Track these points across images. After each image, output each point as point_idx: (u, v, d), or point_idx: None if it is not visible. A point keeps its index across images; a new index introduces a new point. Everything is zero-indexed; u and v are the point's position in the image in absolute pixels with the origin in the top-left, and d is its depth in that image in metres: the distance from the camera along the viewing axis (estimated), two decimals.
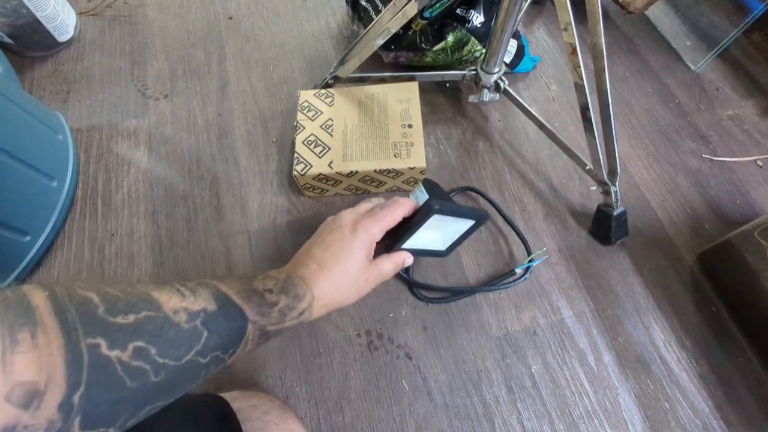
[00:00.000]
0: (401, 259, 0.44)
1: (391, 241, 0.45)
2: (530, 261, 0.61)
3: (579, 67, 0.51)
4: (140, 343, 0.24)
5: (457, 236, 0.52)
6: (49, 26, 0.80)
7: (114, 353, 0.22)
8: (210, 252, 0.64)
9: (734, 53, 0.81)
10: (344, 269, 0.39)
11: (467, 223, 0.51)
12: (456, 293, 0.60)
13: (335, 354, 0.57)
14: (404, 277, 0.60)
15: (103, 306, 0.23)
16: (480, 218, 0.51)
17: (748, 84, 0.78)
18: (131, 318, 0.24)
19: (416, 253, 0.47)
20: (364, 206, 0.44)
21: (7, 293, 0.21)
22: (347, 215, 0.42)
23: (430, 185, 0.47)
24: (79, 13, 0.89)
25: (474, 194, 0.68)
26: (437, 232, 0.51)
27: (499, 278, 0.61)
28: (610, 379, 0.55)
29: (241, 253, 0.64)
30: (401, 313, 0.59)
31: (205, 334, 0.27)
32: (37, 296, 0.22)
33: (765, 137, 0.72)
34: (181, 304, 0.27)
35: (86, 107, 0.78)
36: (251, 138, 0.74)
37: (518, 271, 0.61)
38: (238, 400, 0.45)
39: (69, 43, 0.86)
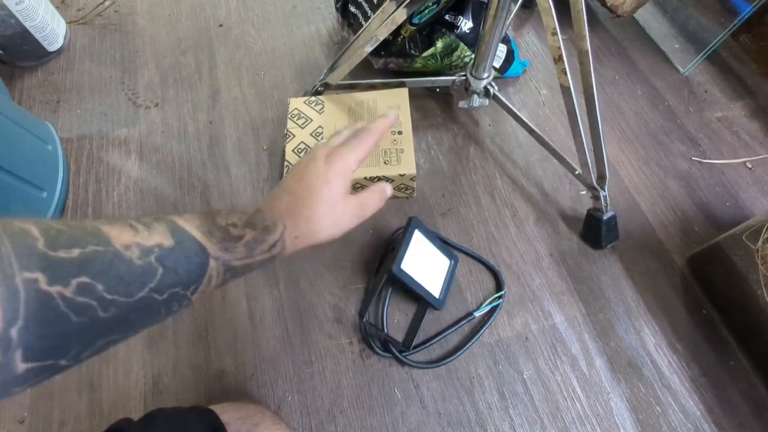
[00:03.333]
0: (381, 187, 0.43)
1: (391, 255, 0.54)
2: (490, 304, 0.59)
3: (565, 72, 0.51)
4: (85, 279, 0.22)
5: (443, 278, 0.59)
6: (38, 36, 0.80)
7: (55, 288, 0.21)
8: None
9: (722, 55, 0.82)
10: (320, 198, 0.38)
11: (446, 262, 0.60)
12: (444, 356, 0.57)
13: (327, 362, 0.57)
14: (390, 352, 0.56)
15: (43, 239, 0.21)
16: (453, 257, 0.60)
17: (737, 86, 0.79)
18: (75, 252, 0.22)
19: (416, 287, 0.54)
20: (336, 139, 0.44)
21: None
22: (320, 149, 0.42)
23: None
24: (69, 22, 0.89)
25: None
26: (427, 265, 0.57)
27: (460, 321, 0.58)
28: (602, 384, 0.55)
29: None
30: (393, 321, 0.59)
31: (160, 270, 0.26)
32: None
33: (754, 139, 0.73)
34: (133, 239, 0.25)
35: (76, 116, 0.78)
36: (242, 146, 0.74)
37: (477, 314, 0.59)
38: (228, 412, 0.45)
39: (59, 52, 0.85)
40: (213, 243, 0.30)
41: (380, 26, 0.58)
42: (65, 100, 0.80)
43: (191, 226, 0.30)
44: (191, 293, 0.29)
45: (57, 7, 0.87)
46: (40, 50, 0.82)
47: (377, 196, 0.44)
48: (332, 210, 0.39)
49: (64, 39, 0.86)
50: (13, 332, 0.19)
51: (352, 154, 0.41)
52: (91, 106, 0.79)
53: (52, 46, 0.83)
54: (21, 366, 0.20)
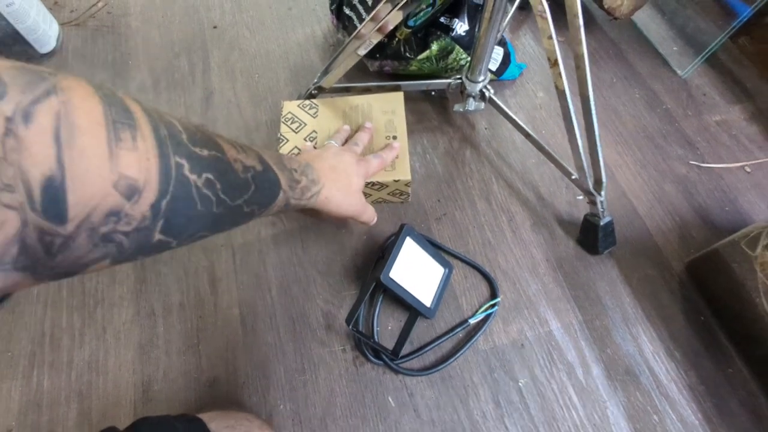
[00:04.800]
0: (373, 212, 0.56)
1: (381, 262, 0.54)
2: (485, 311, 0.58)
3: (561, 76, 0.50)
4: (211, 176, 0.26)
5: (436, 287, 0.58)
6: (30, 38, 0.79)
7: (193, 177, 0.25)
8: (193, 267, 0.63)
9: (721, 58, 0.81)
10: (350, 182, 0.50)
11: (439, 270, 0.59)
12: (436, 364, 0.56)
13: (320, 370, 0.56)
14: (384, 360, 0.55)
15: (185, 134, 0.25)
16: (447, 266, 0.60)
17: (735, 89, 0.78)
18: (206, 152, 0.26)
19: (405, 295, 0.54)
20: (358, 149, 0.57)
21: (105, 90, 0.21)
22: (348, 152, 0.54)
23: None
24: (62, 24, 0.88)
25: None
26: (419, 273, 0.56)
27: (455, 328, 0.57)
28: (599, 392, 0.54)
29: (225, 267, 0.63)
30: (387, 327, 0.58)
31: (253, 187, 0.31)
32: (133, 104, 0.22)
33: (752, 142, 0.72)
34: (237, 155, 0.30)
35: None
36: None
37: (472, 322, 0.58)
38: (215, 420, 0.44)
39: (51, 54, 0.84)
40: (285, 179, 0.37)
41: (374, 28, 0.57)
42: None
43: (271, 162, 0.36)
44: (259, 213, 0.35)
45: (50, 9, 0.86)
46: (31, 52, 0.81)
47: (371, 215, 0.56)
48: (354, 195, 0.51)
49: (57, 41, 0.85)
50: (163, 203, 0.23)
51: (372, 166, 0.55)
52: None
53: (44, 48, 0.82)
54: (157, 236, 0.23)
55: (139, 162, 0.21)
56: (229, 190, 0.28)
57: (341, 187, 0.48)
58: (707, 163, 0.70)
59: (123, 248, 0.22)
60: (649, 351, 0.56)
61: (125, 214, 0.21)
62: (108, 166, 0.20)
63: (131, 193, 0.21)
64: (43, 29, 0.81)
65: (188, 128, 0.26)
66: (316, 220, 0.64)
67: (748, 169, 0.69)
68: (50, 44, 0.83)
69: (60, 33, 0.86)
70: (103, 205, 0.20)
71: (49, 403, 0.55)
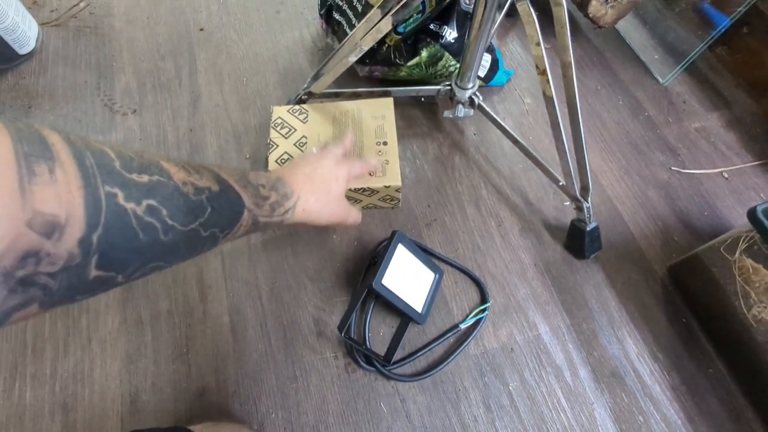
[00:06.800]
0: (358, 213, 0.54)
1: (373, 269, 0.54)
2: (475, 316, 0.59)
3: (549, 83, 0.51)
4: (153, 202, 0.25)
5: (427, 292, 0.59)
6: (8, 38, 0.77)
7: (130, 205, 0.23)
8: (181, 274, 0.62)
9: (700, 67, 0.84)
10: (329, 189, 0.47)
11: (430, 275, 0.59)
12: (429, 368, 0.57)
13: (312, 377, 0.56)
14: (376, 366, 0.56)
15: (118, 161, 0.24)
16: (437, 271, 0.60)
17: (713, 97, 0.80)
18: (145, 178, 0.25)
19: (397, 301, 0.54)
20: (339, 150, 0.53)
21: (18, 125, 0.20)
22: (329, 155, 0.51)
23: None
24: (42, 24, 0.86)
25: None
26: (410, 279, 0.57)
27: (446, 333, 0.58)
28: (586, 395, 0.56)
29: (214, 274, 0.62)
30: (378, 333, 0.58)
31: (209, 209, 0.29)
32: (53, 135, 0.21)
33: (730, 149, 0.75)
34: (188, 178, 0.28)
35: (49, 123, 0.75)
36: (224, 154, 0.72)
37: (462, 327, 0.58)
38: None
39: (31, 55, 0.82)
40: (248, 196, 0.35)
41: (365, 35, 0.57)
42: (37, 106, 0.77)
43: (232, 180, 0.34)
44: (223, 237, 0.33)
45: (29, 8, 0.84)
46: (10, 53, 0.78)
47: (355, 216, 0.53)
48: (335, 201, 0.48)
49: (36, 41, 0.83)
50: (94, 238, 0.21)
51: (354, 168, 0.52)
52: (64, 111, 0.76)
53: (24, 49, 0.80)
54: (93, 272, 0.22)
55: (59, 195, 0.20)
56: (179, 215, 0.27)
57: (320, 196, 0.46)
58: (688, 169, 0.72)
59: (51, 291, 0.20)
60: (634, 353, 0.58)
61: (46, 253, 0.19)
62: (19, 204, 0.18)
63: (50, 230, 0.19)
64: (22, 29, 0.78)
65: (123, 155, 0.24)
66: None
67: (726, 175, 0.72)
68: (30, 45, 0.81)
69: (40, 33, 0.84)
70: (15, 247, 0.18)
71: (32, 417, 0.53)
